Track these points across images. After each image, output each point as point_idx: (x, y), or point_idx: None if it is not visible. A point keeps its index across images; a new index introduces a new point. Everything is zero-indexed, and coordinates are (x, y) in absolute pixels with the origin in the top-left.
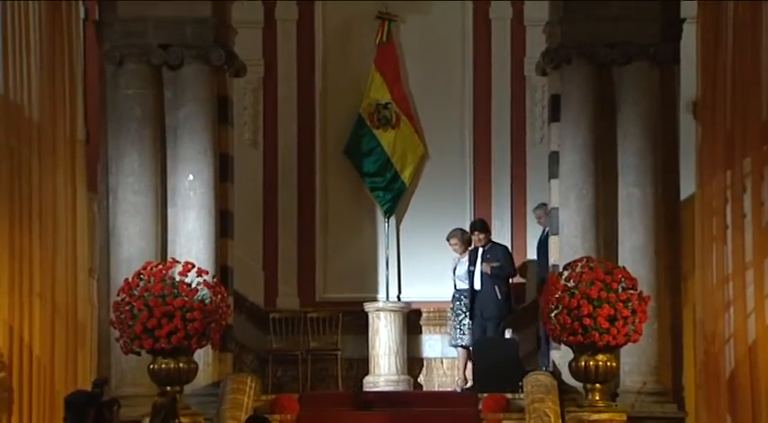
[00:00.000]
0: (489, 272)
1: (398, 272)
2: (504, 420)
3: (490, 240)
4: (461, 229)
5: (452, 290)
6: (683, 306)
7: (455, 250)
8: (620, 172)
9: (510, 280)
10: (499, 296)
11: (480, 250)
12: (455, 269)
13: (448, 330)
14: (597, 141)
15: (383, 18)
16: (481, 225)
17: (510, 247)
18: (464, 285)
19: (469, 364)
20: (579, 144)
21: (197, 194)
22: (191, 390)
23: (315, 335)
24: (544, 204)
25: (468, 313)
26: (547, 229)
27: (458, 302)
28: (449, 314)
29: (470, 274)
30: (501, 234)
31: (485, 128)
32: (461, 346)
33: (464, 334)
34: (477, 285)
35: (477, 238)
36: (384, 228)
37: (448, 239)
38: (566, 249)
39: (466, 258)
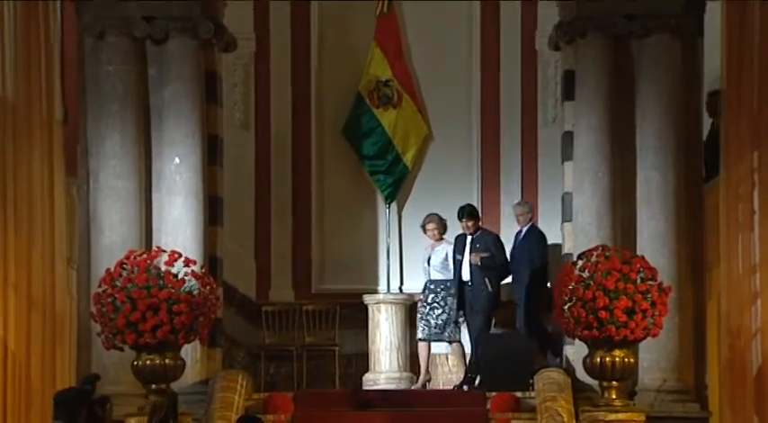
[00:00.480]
0: (479, 263)
1: (400, 261)
2: (513, 420)
3: (479, 227)
4: (438, 215)
5: (425, 280)
6: (707, 298)
7: (431, 237)
8: (638, 154)
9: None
10: (490, 289)
11: (468, 239)
12: (429, 258)
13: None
14: (614, 121)
15: None
16: (470, 211)
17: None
18: (440, 276)
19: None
20: (595, 124)
21: (183, 179)
22: (177, 388)
23: (310, 329)
24: (527, 203)
25: (445, 307)
26: (525, 228)
27: (433, 295)
28: (419, 307)
29: (457, 263)
30: (511, 221)
31: (493, 107)
32: (426, 339)
33: (440, 330)
34: (466, 276)
35: (466, 224)
36: (385, 214)
37: (424, 225)
38: (580, 237)
39: (443, 246)
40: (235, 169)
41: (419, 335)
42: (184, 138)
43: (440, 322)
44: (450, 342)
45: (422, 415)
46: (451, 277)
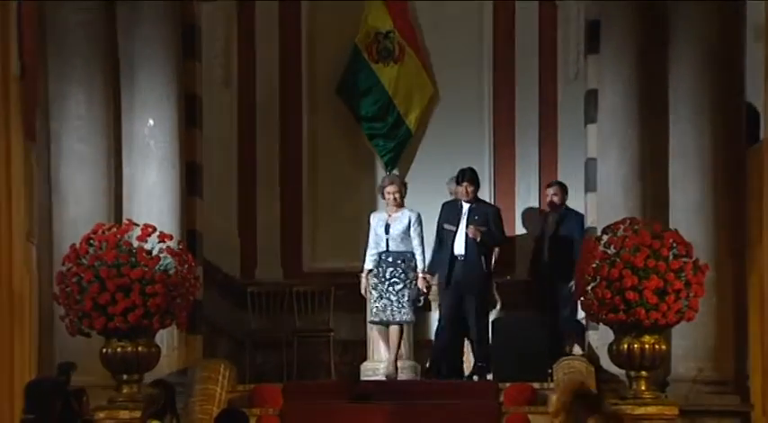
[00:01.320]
0: (478, 237)
1: None
2: (530, 414)
3: (477, 197)
4: (399, 176)
5: (377, 253)
6: (749, 277)
7: (390, 202)
8: (671, 115)
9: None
10: (485, 268)
11: (465, 208)
12: (387, 227)
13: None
14: (644, 77)
15: None
16: (472, 174)
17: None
18: (400, 247)
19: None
20: (622, 81)
21: (158, 143)
22: (152, 379)
23: (302, 313)
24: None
25: (407, 282)
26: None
27: (392, 268)
28: (372, 285)
29: (448, 235)
30: (527, 190)
31: (507, 62)
32: (398, 322)
33: (402, 307)
34: (459, 250)
35: (465, 190)
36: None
37: (383, 188)
38: (605, 209)
39: (403, 214)
40: (216, 133)
41: (373, 317)
42: (159, 97)
43: (403, 299)
44: (402, 323)
45: (426, 408)
46: (409, 249)
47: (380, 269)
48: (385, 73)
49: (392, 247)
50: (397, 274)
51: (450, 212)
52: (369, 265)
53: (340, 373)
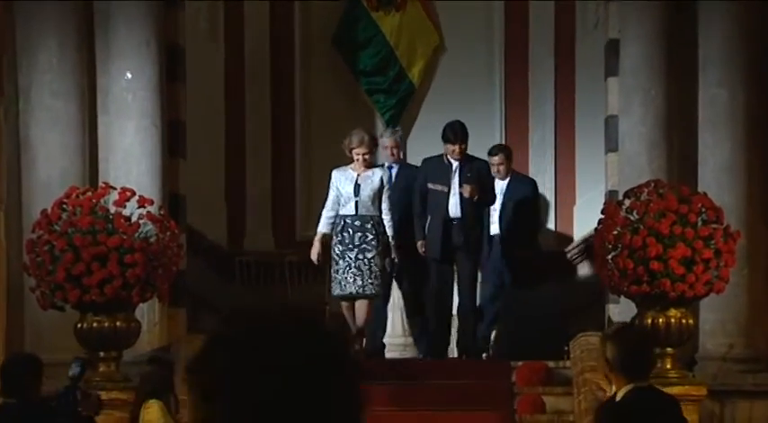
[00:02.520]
0: (475, 197)
1: None
2: (544, 395)
3: (465, 153)
4: (365, 131)
5: (341, 217)
6: None
7: (360, 161)
8: (701, 67)
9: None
10: (484, 231)
11: (455, 165)
12: (357, 188)
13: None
14: (671, 26)
15: None
16: (463, 130)
17: (555, 171)
18: (370, 211)
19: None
20: (647, 30)
21: (137, 99)
22: (132, 356)
23: (295, 285)
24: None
25: (379, 249)
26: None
27: (360, 233)
28: (338, 252)
29: (438, 196)
30: (542, 156)
31: (520, 8)
32: (370, 295)
33: (376, 278)
34: (455, 213)
35: (459, 147)
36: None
37: (351, 147)
38: (627, 170)
39: (374, 173)
40: (201, 88)
41: (341, 290)
42: (137, 47)
43: (375, 269)
44: (373, 296)
45: (432, 389)
46: (378, 213)
47: (346, 234)
48: (386, 22)
49: (362, 211)
50: (367, 241)
51: (435, 171)
52: (326, 228)
53: None
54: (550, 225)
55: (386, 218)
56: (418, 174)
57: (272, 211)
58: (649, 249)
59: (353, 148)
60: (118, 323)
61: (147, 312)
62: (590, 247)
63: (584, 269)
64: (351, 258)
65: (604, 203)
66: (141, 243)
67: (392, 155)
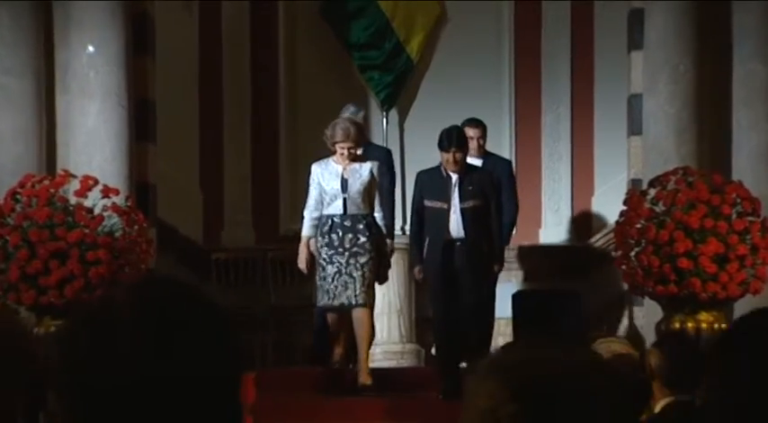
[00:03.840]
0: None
1: (402, 190)
2: None
3: (465, 163)
4: (355, 124)
5: (327, 216)
6: None
7: (345, 155)
8: (735, 41)
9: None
10: (485, 248)
11: (454, 178)
12: (345, 182)
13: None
14: None
15: None
16: (461, 138)
17: (571, 158)
18: (359, 209)
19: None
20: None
21: (100, 75)
22: None
23: (278, 285)
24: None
25: (372, 252)
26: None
27: (351, 234)
28: (325, 256)
29: (435, 214)
30: (556, 140)
31: None
32: (363, 304)
33: (369, 286)
34: (457, 233)
35: (454, 157)
36: (381, 125)
37: (335, 141)
38: (652, 156)
39: (364, 167)
40: (172, 62)
41: (329, 301)
42: (100, 15)
43: (368, 275)
44: (367, 306)
45: (431, 403)
46: (369, 211)
47: (334, 236)
48: None
49: (351, 209)
50: (359, 243)
51: (432, 185)
52: (311, 231)
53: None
54: (565, 218)
55: (378, 216)
56: (414, 189)
57: (253, 202)
58: (677, 245)
59: (337, 142)
60: None
61: None
62: (610, 242)
63: (603, 266)
64: (341, 263)
65: (627, 193)
66: (105, 238)
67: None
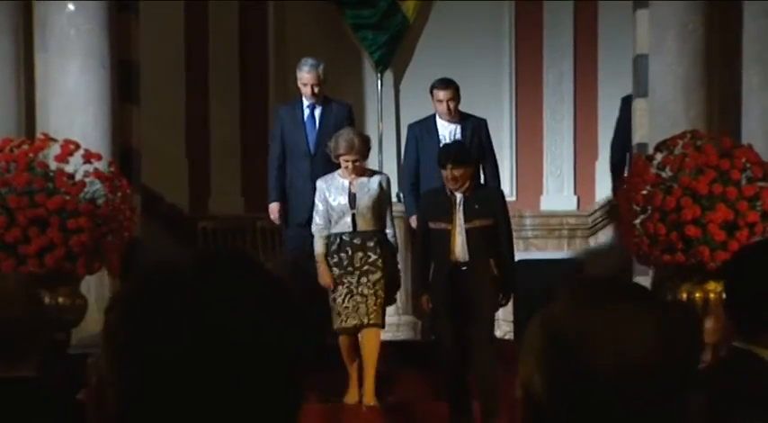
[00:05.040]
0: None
1: (398, 155)
2: None
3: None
4: (360, 135)
5: (335, 235)
6: None
7: (350, 168)
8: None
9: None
10: (495, 271)
11: (459, 196)
12: (353, 197)
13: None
14: None
15: None
16: (461, 153)
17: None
18: (370, 226)
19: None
20: None
21: (81, 34)
22: (78, 337)
23: (268, 254)
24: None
25: (385, 270)
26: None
27: (361, 253)
28: (335, 273)
29: (442, 236)
30: (558, 96)
31: None
32: (375, 325)
33: (380, 306)
34: (461, 256)
35: (452, 175)
36: (375, 88)
37: (339, 154)
38: (659, 119)
39: (372, 180)
40: (156, 20)
41: (342, 323)
42: None
43: (381, 293)
44: (379, 326)
45: (428, 376)
46: (381, 226)
47: (344, 255)
48: None
49: (360, 226)
50: (370, 261)
51: (435, 206)
52: (323, 247)
53: (318, 329)
54: (568, 184)
55: (389, 232)
56: (417, 210)
57: (242, 167)
58: (684, 212)
59: (341, 155)
60: (60, 299)
61: (95, 287)
62: (614, 209)
63: (607, 235)
64: (351, 283)
65: (632, 158)
66: (87, 205)
67: (313, 94)
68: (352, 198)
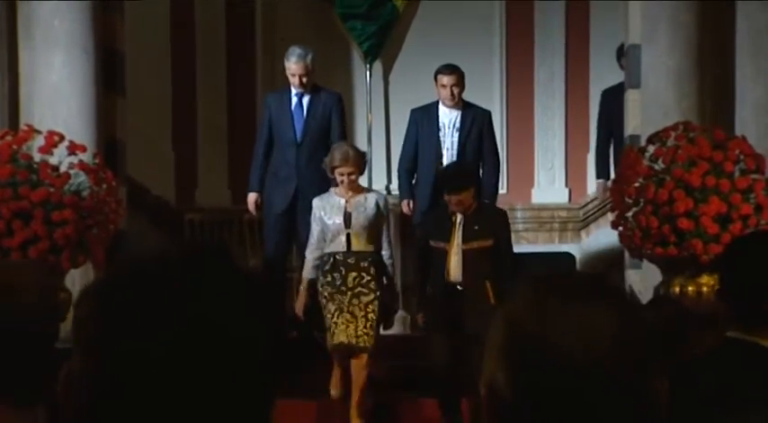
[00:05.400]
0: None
1: (387, 147)
2: None
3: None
4: (352, 146)
5: (328, 255)
6: None
7: (345, 183)
8: None
9: None
10: (492, 299)
11: (458, 219)
12: (348, 217)
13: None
14: None
15: None
16: (462, 177)
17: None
18: (365, 246)
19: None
20: None
21: (65, 24)
22: (64, 331)
23: (256, 247)
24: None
25: (377, 292)
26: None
27: (355, 273)
28: (327, 292)
29: (439, 255)
30: (550, 95)
31: None
32: (364, 348)
33: (371, 329)
34: (456, 277)
35: (456, 199)
36: (364, 79)
37: (334, 166)
38: (651, 110)
39: (367, 198)
40: (143, 12)
41: (334, 340)
42: None
43: (371, 316)
44: (368, 351)
45: (416, 370)
46: (376, 248)
47: (337, 275)
48: None
49: (355, 245)
50: (363, 282)
51: (436, 226)
52: (311, 273)
53: (307, 322)
54: (559, 177)
55: (386, 254)
56: (418, 230)
57: (229, 159)
58: (677, 204)
59: (336, 167)
60: None
61: (80, 280)
62: (606, 202)
63: (598, 228)
64: (342, 302)
65: (624, 150)
66: (72, 197)
67: (301, 84)
68: (348, 217)
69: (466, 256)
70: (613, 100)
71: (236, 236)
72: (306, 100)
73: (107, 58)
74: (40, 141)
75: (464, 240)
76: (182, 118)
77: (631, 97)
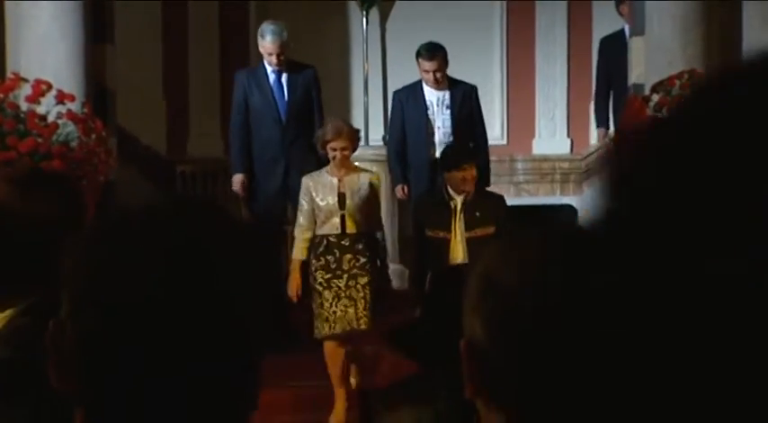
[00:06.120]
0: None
1: (384, 97)
2: None
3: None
4: (345, 121)
5: (321, 236)
6: None
7: (338, 158)
8: None
9: None
10: None
11: (459, 200)
12: (342, 197)
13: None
14: None
15: None
16: (465, 153)
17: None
18: (363, 226)
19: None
20: None
21: None
22: None
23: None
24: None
25: (373, 275)
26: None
27: (350, 255)
28: (322, 277)
29: (440, 244)
30: (552, 42)
31: None
32: (364, 330)
33: (370, 310)
34: (461, 260)
35: (462, 176)
36: (360, 27)
37: (326, 140)
38: (656, 58)
39: (361, 178)
40: None
41: (329, 329)
42: None
43: (369, 297)
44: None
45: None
46: (370, 229)
47: (331, 258)
48: None
49: (349, 227)
50: (359, 264)
51: (432, 212)
52: (302, 253)
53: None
54: (561, 127)
55: (380, 235)
56: (412, 217)
57: (222, 108)
58: None
59: (328, 141)
60: None
61: None
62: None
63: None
64: (339, 287)
65: (627, 99)
66: (60, 148)
67: (279, 62)
68: (341, 198)
69: (469, 244)
70: (612, 47)
71: (229, 188)
72: (284, 78)
73: (95, 5)
74: (27, 90)
75: (467, 228)
76: (172, 67)
77: (635, 45)
